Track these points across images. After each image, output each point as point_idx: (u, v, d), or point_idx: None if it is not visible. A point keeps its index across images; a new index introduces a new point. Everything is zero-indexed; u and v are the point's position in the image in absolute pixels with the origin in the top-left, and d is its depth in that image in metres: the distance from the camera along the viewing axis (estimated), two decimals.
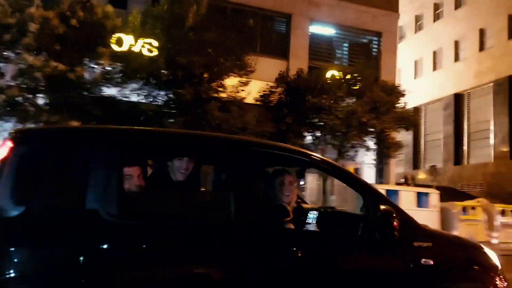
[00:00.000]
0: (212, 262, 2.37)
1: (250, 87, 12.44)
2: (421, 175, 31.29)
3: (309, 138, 13.11)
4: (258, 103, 12.55)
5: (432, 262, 2.55)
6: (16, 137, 2.35)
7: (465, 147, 30.86)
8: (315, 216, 3.12)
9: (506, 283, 2.79)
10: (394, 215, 2.48)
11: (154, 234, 2.32)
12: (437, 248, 2.68)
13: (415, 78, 36.01)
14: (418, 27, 35.99)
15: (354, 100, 12.42)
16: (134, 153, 2.80)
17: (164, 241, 2.34)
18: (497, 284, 2.73)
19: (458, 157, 30.77)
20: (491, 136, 28.59)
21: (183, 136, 3.19)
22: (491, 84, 28.65)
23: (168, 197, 2.70)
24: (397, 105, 13.07)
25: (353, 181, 2.84)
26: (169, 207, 2.54)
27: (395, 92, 13.31)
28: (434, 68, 34.06)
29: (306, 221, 3.10)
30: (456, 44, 32.04)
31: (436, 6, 33.91)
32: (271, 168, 3.41)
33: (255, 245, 2.40)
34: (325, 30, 18.21)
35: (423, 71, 35.14)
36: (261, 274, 2.36)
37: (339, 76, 12.45)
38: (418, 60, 35.71)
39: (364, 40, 19.03)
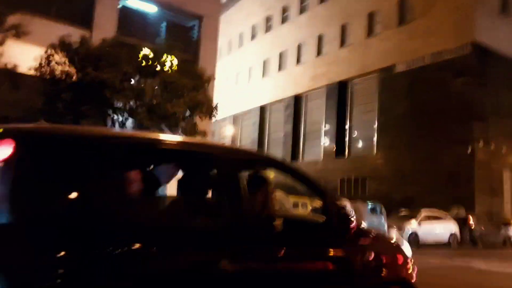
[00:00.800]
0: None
1: (28, 53, 10.80)
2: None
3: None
4: (33, 73, 10.80)
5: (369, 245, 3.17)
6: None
7: (301, 145, 32.64)
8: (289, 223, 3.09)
9: (416, 268, 3.40)
10: (351, 214, 2.94)
11: None
12: (373, 238, 3.32)
13: (263, 77, 37.16)
14: (268, 28, 37.23)
15: (151, 80, 11.55)
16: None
17: None
18: (410, 267, 3.35)
19: (294, 154, 32.42)
20: (322, 136, 30.63)
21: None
22: (324, 88, 30.74)
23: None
24: (201, 92, 12.54)
25: (312, 184, 3.10)
26: None
27: (200, 78, 12.82)
28: (279, 69, 35.49)
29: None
30: (299, 47, 33.79)
31: (284, 9, 35.42)
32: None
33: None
34: (140, 4, 17.20)
35: (270, 71, 36.41)
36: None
37: (140, 53, 11.46)
38: (266, 60, 36.89)
39: (184, 22, 18.48)
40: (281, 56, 35.41)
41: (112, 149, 2.39)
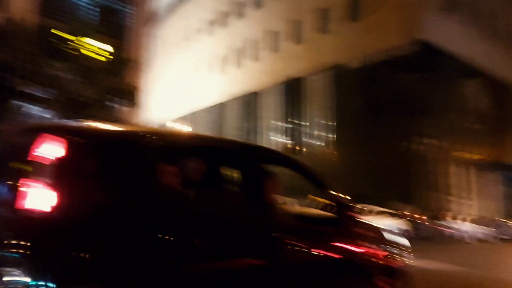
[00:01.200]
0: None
1: None
2: None
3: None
4: None
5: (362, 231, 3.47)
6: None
7: (258, 143, 32.15)
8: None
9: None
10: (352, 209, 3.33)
11: None
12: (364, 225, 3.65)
13: (222, 73, 36.59)
14: (225, 24, 36.69)
15: (64, 64, 10.81)
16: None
17: None
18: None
19: None
20: (279, 133, 30.29)
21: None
22: (281, 84, 30.39)
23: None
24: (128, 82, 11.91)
25: (318, 181, 3.33)
26: None
27: (122, 63, 12.16)
28: (238, 66, 34.99)
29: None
30: (256, 44, 33.38)
31: (241, 5, 34.93)
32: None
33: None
34: None
35: (228, 68, 35.87)
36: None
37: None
38: (224, 57, 36.33)
39: (116, 7, 17.84)
40: (238, 52, 34.93)
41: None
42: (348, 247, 3.29)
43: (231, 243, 2.56)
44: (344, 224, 3.30)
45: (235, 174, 3.23)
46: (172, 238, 2.27)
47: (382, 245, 3.59)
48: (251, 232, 2.68)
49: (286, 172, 3.23)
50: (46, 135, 2.11)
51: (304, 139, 28.88)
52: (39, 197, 2.00)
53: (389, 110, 23.21)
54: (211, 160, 3.07)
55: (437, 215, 20.65)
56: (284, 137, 29.87)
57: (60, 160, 2.06)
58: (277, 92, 30.87)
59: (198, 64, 39.21)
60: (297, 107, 29.27)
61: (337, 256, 3.18)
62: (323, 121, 27.40)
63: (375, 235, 3.66)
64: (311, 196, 4.40)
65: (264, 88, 32.13)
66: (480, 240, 20.11)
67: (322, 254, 3.09)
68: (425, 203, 20.94)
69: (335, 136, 26.52)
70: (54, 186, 2.02)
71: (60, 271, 1.94)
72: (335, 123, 26.55)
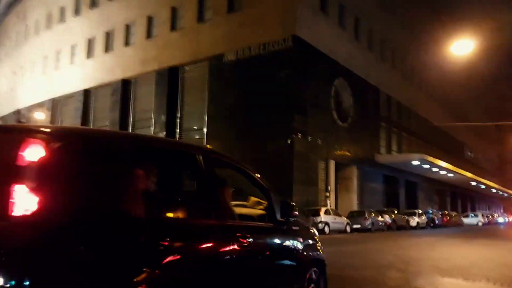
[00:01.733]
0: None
1: None
2: None
3: None
4: None
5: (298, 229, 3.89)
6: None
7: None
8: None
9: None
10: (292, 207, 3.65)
11: None
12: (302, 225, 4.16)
13: (87, 58, 33.25)
14: (93, 3, 33.39)
15: None
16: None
17: None
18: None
19: None
20: (152, 125, 28.62)
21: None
22: (154, 73, 28.69)
23: None
24: None
25: (259, 184, 3.54)
26: None
27: None
28: (106, 50, 32.12)
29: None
30: (127, 28, 31.00)
31: None
32: None
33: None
34: None
35: (95, 52, 32.74)
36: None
37: None
38: (91, 39, 33.06)
39: None
40: (108, 35, 32.06)
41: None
42: (289, 242, 3.69)
43: (203, 242, 2.69)
44: (286, 222, 3.59)
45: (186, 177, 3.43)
46: (153, 241, 2.31)
47: (311, 239, 4.05)
48: (219, 233, 2.84)
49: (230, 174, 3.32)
50: (28, 138, 2.08)
51: (179, 132, 27.76)
52: (23, 202, 1.93)
53: (265, 105, 23.49)
54: (169, 164, 3.20)
55: (309, 208, 21.51)
56: (158, 129, 28.32)
57: (43, 163, 2.03)
58: (151, 81, 29.10)
59: (61, 47, 35.05)
60: (172, 98, 27.94)
61: (281, 250, 3.59)
62: (200, 114, 26.64)
63: (307, 231, 4.11)
64: (252, 198, 4.30)
65: (136, 76, 30.05)
66: (338, 231, 21.41)
67: (269, 250, 3.42)
68: (296, 197, 21.67)
69: (211, 130, 25.98)
70: (38, 190, 1.96)
71: (45, 276, 1.88)
72: (211, 117, 25.99)
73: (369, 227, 23.64)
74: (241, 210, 3.92)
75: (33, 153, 2.02)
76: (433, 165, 32.25)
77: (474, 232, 25.12)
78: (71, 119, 32.92)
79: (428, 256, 9.90)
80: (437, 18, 41.34)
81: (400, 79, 36.42)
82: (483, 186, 49.79)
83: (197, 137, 26.74)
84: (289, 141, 22.35)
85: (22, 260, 1.84)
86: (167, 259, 2.32)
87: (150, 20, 29.78)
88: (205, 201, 2.88)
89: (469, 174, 42.12)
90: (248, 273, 3.04)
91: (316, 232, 4.46)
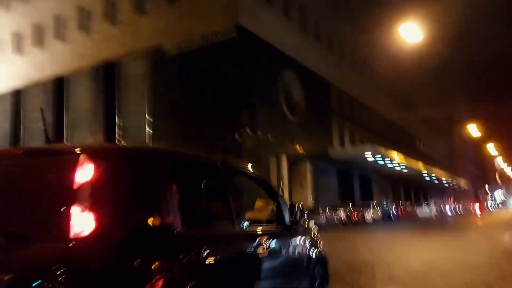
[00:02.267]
0: None
1: None
2: None
3: None
4: None
5: (304, 230, 4.13)
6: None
7: (65, 137, 27.55)
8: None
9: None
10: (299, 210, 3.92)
11: None
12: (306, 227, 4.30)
13: (15, 53, 30.33)
14: None
15: None
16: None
17: None
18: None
19: None
20: (90, 125, 26.34)
21: None
22: (91, 69, 26.42)
23: None
24: None
25: (269, 189, 3.83)
26: None
27: None
28: (36, 45, 29.37)
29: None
30: (59, 20, 28.43)
31: None
32: None
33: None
34: None
35: (24, 47, 29.88)
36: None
37: None
38: (19, 34, 30.16)
39: None
40: (37, 29, 29.31)
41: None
42: (298, 244, 3.87)
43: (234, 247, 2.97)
44: (294, 225, 3.80)
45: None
46: (194, 252, 2.43)
47: (315, 239, 4.21)
48: (245, 241, 3.07)
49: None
50: (80, 159, 2.13)
51: (120, 132, 25.66)
52: (81, 223, 1.99)
53: (212, 100, 21.97)
54: (198, 176, 3.25)
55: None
56: (97, 130, 26.07)
57: (96, 183, 2.07)
58: (88, 79, 26.78)
59: None
60: (110, 96, 25.80)
61: (292, 252, 3.73)
62: (142, 112, 24.68)
63: (311, 232, 4.28)
64: (258, 201, 4.06)
65: (72, 73, 27.58)
66: None
67: (282, 252, 3.56)
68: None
69: (154, 129, 24.12)
70: (93, 209, 2.02)
71: None
72: (155, 115, 24.13)
73: (323, 224, 22.65)
74: (250, 214, 3.91)
75: (86, 173, 2.07)
76: (386, 157, 31.88)
77: (429, 225, 24.82)
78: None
79: (383, 259, 8.78)
80: (385, 8, 41.24)
81: (349, 71, 35.91)
82: (435, 178, 50.63)
83: (140, 137, 24.76)
84: (237, 137, 20.91)
85: (85, 279, 1.88)
86: (207, 268, 2.48)
87: (83, 12, 27.40)
88: (228, 210, 3.00)
89: (421, 166, 42.48)
90: (268, 275, 3.21)
91: (317, 232, 4.61)
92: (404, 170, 41.03)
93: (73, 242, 1.95)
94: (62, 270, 1.85)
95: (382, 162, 33.60)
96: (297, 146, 26.61)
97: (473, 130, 57.59)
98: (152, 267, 2.10)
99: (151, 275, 2.07)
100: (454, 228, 22.27)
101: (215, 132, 21.34)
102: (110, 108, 25.81)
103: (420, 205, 42.48)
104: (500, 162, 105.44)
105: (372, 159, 30.58)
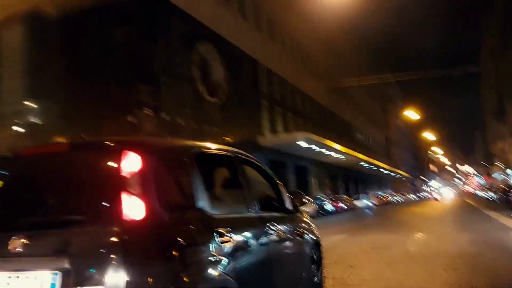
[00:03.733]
0: None
1: None
2: None
3: None
4: None
5: (302, 215, 4.45)
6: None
7: None
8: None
9: None
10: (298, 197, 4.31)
11: None
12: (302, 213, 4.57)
13: None
14: None
15: None
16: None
17: None
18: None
19: None
20: None
21: None
22: None
23: None
24: None
25: (269, 177, 4.01)
26: None
27: None
28: None
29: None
30: None
31: None
32: None
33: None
34: None
35: None
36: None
37: None
38: None
39: None
40: None
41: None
42: (298, 228, 4.11)
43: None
44: (294, 211, 4.14)
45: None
46: (219, 232, 2.65)
47: (310, 224, 4.51)
48: (258, 223, 3.32)
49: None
50: (126, 151, 2.37)
51: None
52: (134, 207, 2.21)
53: (102, 73, 17.53)
54: (215, 165, 3.48)
55: None
56: None
57: (144, 172, 2.32)
58: None
59: None
60: None
61: (293, 235, 3.92)
62: (16, 92, 19.60)
63: (307, 217, 4.58)
64: (265, 190, 4.00)
65: None
66: None
67: (286, 235, 3.75)
68: None
69: (34, 111, 19.19)
70: (143, 196, 2.25)
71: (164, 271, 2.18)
72: (33, 93, 19.20)
73: None
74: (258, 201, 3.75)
75: (133, 164, 2.32)
76: (320, 145, 28.88)
77: (366, 219, 22.06)
78: None
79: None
80: None
81: (280, 52, 32.60)
82: (373, 167, 48.97)
83: (15, 123, 19.67)
84: (130, 118, 16.61)
85: (139, 258, 2.13)
86: (230, 247, 2.70)
87: None
88: (244, 196, 3.31)
89: (359, 155, 40.27)
90: (276, 255, 3.50)
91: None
92: (343, 161, 38.58)
93: (127, 224, 2.17)
94: (121, 248, 2.09)
95: (318, 152, 30.62)
96: (220, 132, 22.72)
97: (411, 115, 56.67)
98: (190, 244, 2.40)
99: (190, 252, 2.36)
100: (393, 221, 19.50)
101: (106, 111, 16.87)
102: None
103: (358, 197, 40.17)
104: (436, 150, 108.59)
105: (307, 147, 27.40)
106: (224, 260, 2.55)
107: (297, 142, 27.15)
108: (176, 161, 2.67)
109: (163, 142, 3.09)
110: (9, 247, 2.19)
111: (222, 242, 2.61)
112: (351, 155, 36.56)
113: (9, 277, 2.18)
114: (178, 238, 2.31)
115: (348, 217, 24.78)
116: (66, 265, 2.07)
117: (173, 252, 2.23)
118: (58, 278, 2.09)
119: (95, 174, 2.38)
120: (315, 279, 4.36)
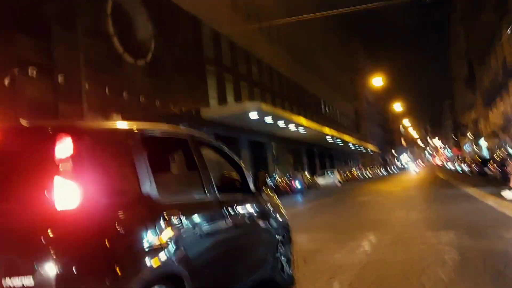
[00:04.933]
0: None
1: None
2: None
3: None
4: None
5: (267, 197, 4.40)
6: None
7: None
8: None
9: None
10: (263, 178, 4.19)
11: None
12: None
13: None
14: None
15: None
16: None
17: None
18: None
19: None
20: None
21: None
22: None
23: None
24: None
25: (231, 159, 3.99)
26: None
27: None
28: None
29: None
30: None
31: None
32: None
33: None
34: None
35: None
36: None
37: None
38: None
39: None
40: None
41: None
42: (263, 209, 4.11)
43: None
44: (258, 192, 4.06)
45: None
46: (169, 217, 2.58)
47: (277, 206, 4.48)
48: (215, 207, 3.26)
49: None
50: (60, 135, 2.22)
51: None
52: (67, 194, 2.09)
53: None
54: (165, 148, 3.49)
55: None
56: None
57: (78, 158, 2.18)
58: None
59: None
60: None
61: (257, 217, 3.95)
62: None
63: (273, 199, 4.53)
64: (225, 172, 4.09)
65: None
66: None
67: (249, 217, 3.81)
68: None
69: None
70: (77, 182, 2.13)
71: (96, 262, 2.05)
72: None
73: None
74: (218, 184, 3.74)
75: (66, 148, 2.16)
76: (275, 117, 25.33)
77: (328, 199, 18.84)
78: None
79: None
80: None
81: (230, 11, 28.56)
82: (340, 142, 46.02)
83: None
84: (7, 81, 12.50)
85: (71, 248, 1.99)
86: (179, 233, 2.60)
87: None
88: (201, 179, 3.18)
89: (325, 130, 37.06)
90: (235, 238, 3.38)
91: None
92: (306, 135, 35.33)
93: (59, 213, 2.05)
94: (51, 238, 1.98)
95: (272, 123, 27.07)
96: (147, 102, 18.84)
97: (379, 82, 53.75)
98: (130, 232, 2.28)
99: (129, 240, 2.26)
100: (357, 202, 16.39)
101: None
102: None
103: (322, 173, 37.13)
104: (406, 124, 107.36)
105: (257, 118, 23.77)
106: (172, 247, 2.48)
107: (248, 114, 23.53)
108: (119, 145, 2.60)
109: (103, 126, 3.02)
110: None
111: (170, 229, 2.53)
112: (313, 129, 33.22)
113: None
114: (116, 226, 2.22)
115: (308, 199, 21.53)
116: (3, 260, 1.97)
117: (110, 241, 2.13)
118: None
119: (27, 160, 2.22)
120: (283, 260, 4.32)
